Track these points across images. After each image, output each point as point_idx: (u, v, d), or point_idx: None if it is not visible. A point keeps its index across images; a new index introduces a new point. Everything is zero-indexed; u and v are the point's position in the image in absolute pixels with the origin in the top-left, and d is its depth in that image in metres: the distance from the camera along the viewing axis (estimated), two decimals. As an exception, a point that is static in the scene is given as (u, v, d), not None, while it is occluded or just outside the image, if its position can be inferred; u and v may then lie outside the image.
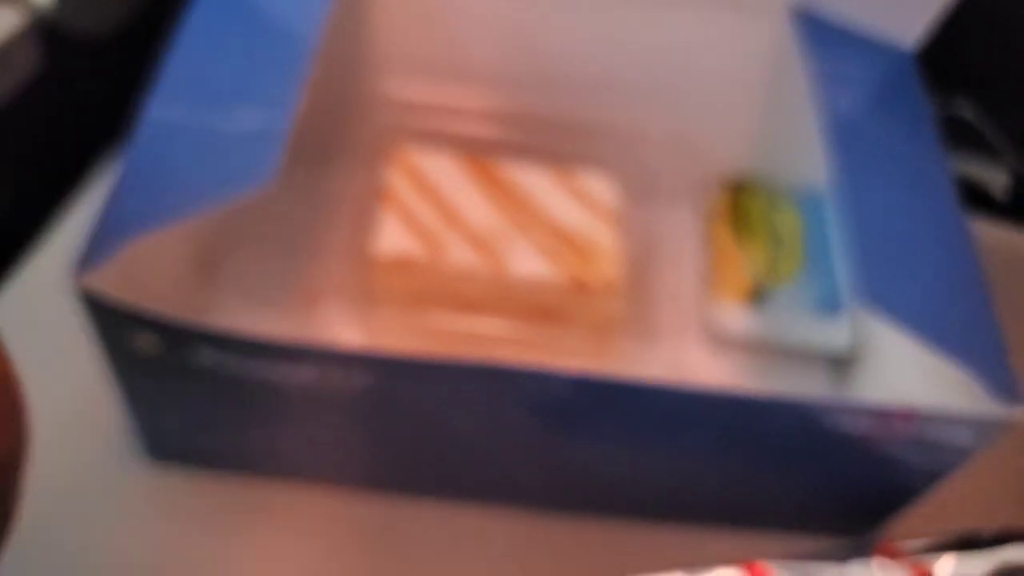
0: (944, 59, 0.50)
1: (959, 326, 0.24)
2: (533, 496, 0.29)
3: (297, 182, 0.35)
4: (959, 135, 0.51)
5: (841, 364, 0.33)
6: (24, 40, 0.36)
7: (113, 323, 0.23)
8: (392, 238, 0.31)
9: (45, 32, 0.36)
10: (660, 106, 0.34)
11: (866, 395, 0.31)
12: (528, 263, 0.31)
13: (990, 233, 0.45)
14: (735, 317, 0.33)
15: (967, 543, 0.26)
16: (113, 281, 0.22)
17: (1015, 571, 0.26)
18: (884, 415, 0.24)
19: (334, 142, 0.34)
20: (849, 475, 0.27)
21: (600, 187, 0.33)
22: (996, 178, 0.53)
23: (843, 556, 0.26)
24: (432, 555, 0.28)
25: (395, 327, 0.31)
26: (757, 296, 0.34)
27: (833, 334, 0.32)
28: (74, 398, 0.29)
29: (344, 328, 0.30)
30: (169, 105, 0.25)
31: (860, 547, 0.26)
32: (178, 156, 0.24)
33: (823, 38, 0.30)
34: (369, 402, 0.24)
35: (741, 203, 0.36)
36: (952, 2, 0.30)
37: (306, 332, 0.29)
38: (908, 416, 0.24)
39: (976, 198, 0.52)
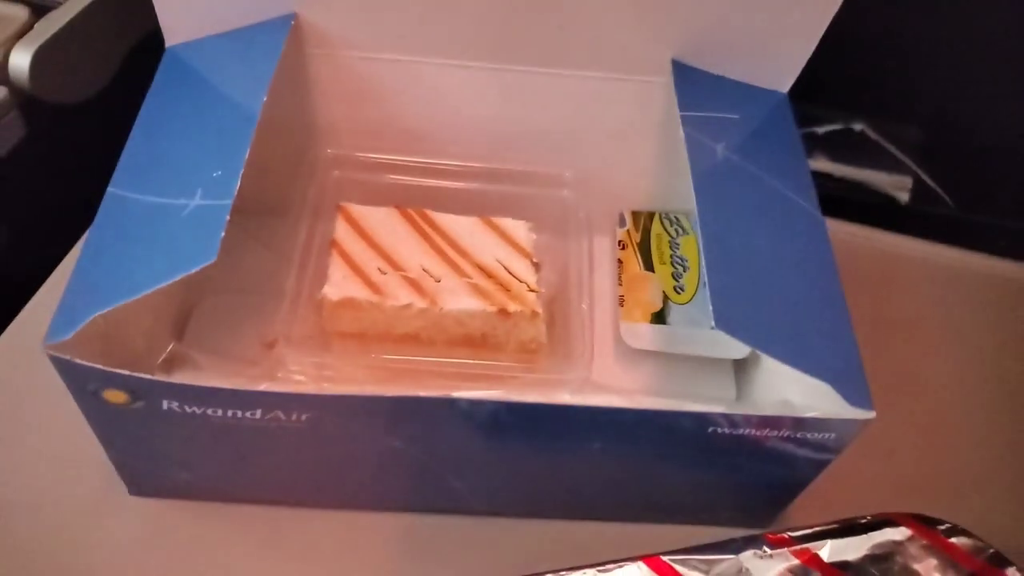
0: (842, 84, 0.55)
1: (815, 341, 0.29)
2: (468, 503, 0.33)
3: (256, 235, 0.39)
4: (862, 150, 0.56)
5: (743, 365, 0.38)
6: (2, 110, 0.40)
7: (84, 383, 0.27)
8: (339, 283, 0.35)
9: (23, 102, 0.40)
10: (572, 154, 0.39)
11: (763, 393, 0.36)
12: (459, 298, 0.35)
13: (892, 241, 0.50)
14: (644, 334, 0.37)
15: (847, 529, 0.31)
16: (83, 346, 0.26)
17: (888, 549, 0.30)
18: (761, 422, 0.28)
19: (289, 199, 0.38)
20: (741, 472, 0.31)
21: (519, 228, 0.37)
22: (902, 186, 0.58)
23: (737, 548, 0.30)
24: (388, 559, 0.33)
25: (346, 364, 0.35)
26: (663, 313, 0.38)
27: (731, 343, 0.37)
28: (66, 444, 0.33)
29: (299, 367, 0.33)
30: (127, 186, 0.29)
31: (752, 538, 0.30)
32: (133, 236, 0.28)
33: (702, 87, 0.34)
34: (312, 434, 0.28)
35: (647, 232, 0.40)
36: (815, 44, 0.34)
37: (265, 374, 0.33)
38: (781, 423, 0.28)
39: (883, 207, 0.57)
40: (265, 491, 0.33)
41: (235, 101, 0.31)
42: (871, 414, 0.28)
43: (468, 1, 0.34)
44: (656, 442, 0.30)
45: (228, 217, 0.27)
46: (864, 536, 0.30)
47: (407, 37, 0.35)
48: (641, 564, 0.29)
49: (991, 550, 0.31)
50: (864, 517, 0.31)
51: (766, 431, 0.28)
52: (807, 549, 0.30)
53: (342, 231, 0.36)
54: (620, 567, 0.29)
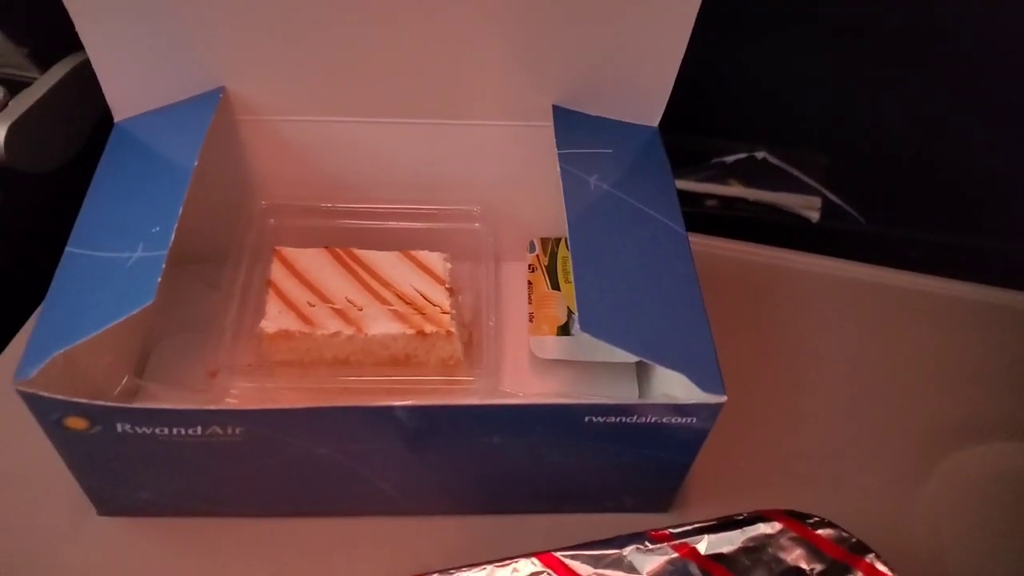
0: (740, 117, 0.60)
1: (673, 338, 0.33)
2: (395, 504, 0.37)
3: (206, 279, 0.44)
4: (770, 175, 0.61)
5: (644, 368, 0.42)
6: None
7: (47, 413, 0.31)
8: (275, 318, 0.39)
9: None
10: (479, 192, 0.44)
11: (658, 392, 0.40)
12: (381, 324, 0.40)
13: (801, 260, 0.53)
14: (550, 345, 0.42)
15: (724, 525, 0.34)
16: (47, 382, 0.30)
17: (760, 541, 0.33)
18: (624, 409, 0.33)
19: (231, 246, 0.43)
20: (626, 457, 0.35)
21: (436, 259, 0.42)
22: (812, 206, 0.63)
23: (621, 543, 0.33)
24: (328, 560, 0.37)
25: (286, 388, 0.40)
26: (568, 326, 0.43)
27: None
28: (38, 470, 0.37)
29: (240, 392, 0.38)
30: (81, 245, 0.34)
31: (637, 535, 0.33)
32: (86, 287, 0.32)
33: (579, 127, 0.40)
34: (248, 447, 0.33)
35: (554, 255, 0.45)
36: (672, 81, 0.39)
37: (212, 399, 0.38)
38: (644, 409, 0.33)
39: (797, 227, 0.61)
40: (216, 504, 0.37)
41: (172, 166, 0.36)
42: (722, 398, 0.32)
43: (374, 67, 0.39)
44: (545, 434, 0.34)
45: (164, 265, 0.31)
46: (739, 531, 0.33)
47: (323, 101, 0.40)
48: (535, 560, 0.32)
49: (854, 539, 0.33)
50: (741, 514, 0.34)
51: (633, 418, 0.33)
52: (686, 543, 0.33)
53: (277, 271, 0.41)
54: (515, 562, 0.32)
